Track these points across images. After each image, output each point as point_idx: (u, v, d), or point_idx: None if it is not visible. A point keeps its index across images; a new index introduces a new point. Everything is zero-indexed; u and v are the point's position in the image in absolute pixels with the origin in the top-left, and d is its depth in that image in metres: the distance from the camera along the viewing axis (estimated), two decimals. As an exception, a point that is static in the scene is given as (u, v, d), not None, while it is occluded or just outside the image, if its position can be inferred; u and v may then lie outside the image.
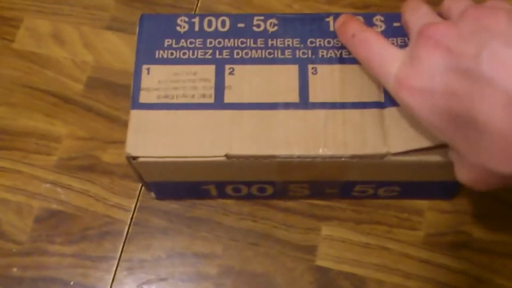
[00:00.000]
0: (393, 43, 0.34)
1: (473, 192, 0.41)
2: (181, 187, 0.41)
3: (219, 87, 0.37)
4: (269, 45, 0.38)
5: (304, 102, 0.36)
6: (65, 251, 0.42)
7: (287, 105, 0.37)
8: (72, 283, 0.41)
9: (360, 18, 0.38)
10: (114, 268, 0.42)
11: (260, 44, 0.38)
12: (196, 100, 0.37)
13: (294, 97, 0.37)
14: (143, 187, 0.44)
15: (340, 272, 0.41)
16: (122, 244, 0.42)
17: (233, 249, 0.42)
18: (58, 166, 0.45)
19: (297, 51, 0.38)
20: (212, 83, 0.37)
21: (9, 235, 0.43)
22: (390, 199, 0.43)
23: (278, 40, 0.38)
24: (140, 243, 0.43)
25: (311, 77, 0.37)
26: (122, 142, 0.45)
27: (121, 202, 0.44)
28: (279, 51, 0.38)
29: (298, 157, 0.35)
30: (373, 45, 0.33)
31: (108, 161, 0.45)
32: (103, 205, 0.44)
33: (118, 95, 0.47)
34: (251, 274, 0.41)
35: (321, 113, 0.36)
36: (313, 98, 0.37)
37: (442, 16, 0.33)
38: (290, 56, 0.38)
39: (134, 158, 0.35)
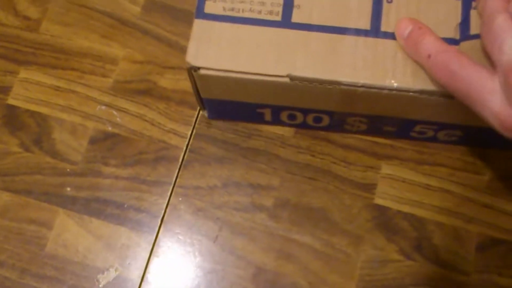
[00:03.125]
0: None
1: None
2: (236, 107, 0.40)
3: (288, 5, 0.35)
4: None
5: (375, 30, 0.35)
6: (119, 173, 0.42)
7: (357, 31, 0.35)
8: (126, 205, 0.41)
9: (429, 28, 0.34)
10: (169, 194, 0.41)
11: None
12: (262, 16, 0.35)
13: (366, 24, 0.35)
14: (199, 115, 0.43)
15: (399, 212, 0.40)
16: (177, 170, 0.42)
17: (290, 182, 0.41)
18: (114, 88, 0.44)
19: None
20: (281, 1, 0.35)
21: (64, 154, 0.42)
22: (448, 144, 0.41)
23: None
24: (195, 170, 0.42)
25: (385, 5, 0.35)
26: (180, 68, 0.44)
27: (177, 128, 0.43)
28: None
29: (363, 85, 0.34)
30: (457, 71, 0.29)
31: (165, 86, 0.44)
32: (159, 130, 0.43)
33: (176, 19, 0.46)
34: (308, 208, 0.40)
35: (392, 43, 0.34)
36: (385, 27, 0.35)
37: None
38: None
39: (196, 69, 0.34)
